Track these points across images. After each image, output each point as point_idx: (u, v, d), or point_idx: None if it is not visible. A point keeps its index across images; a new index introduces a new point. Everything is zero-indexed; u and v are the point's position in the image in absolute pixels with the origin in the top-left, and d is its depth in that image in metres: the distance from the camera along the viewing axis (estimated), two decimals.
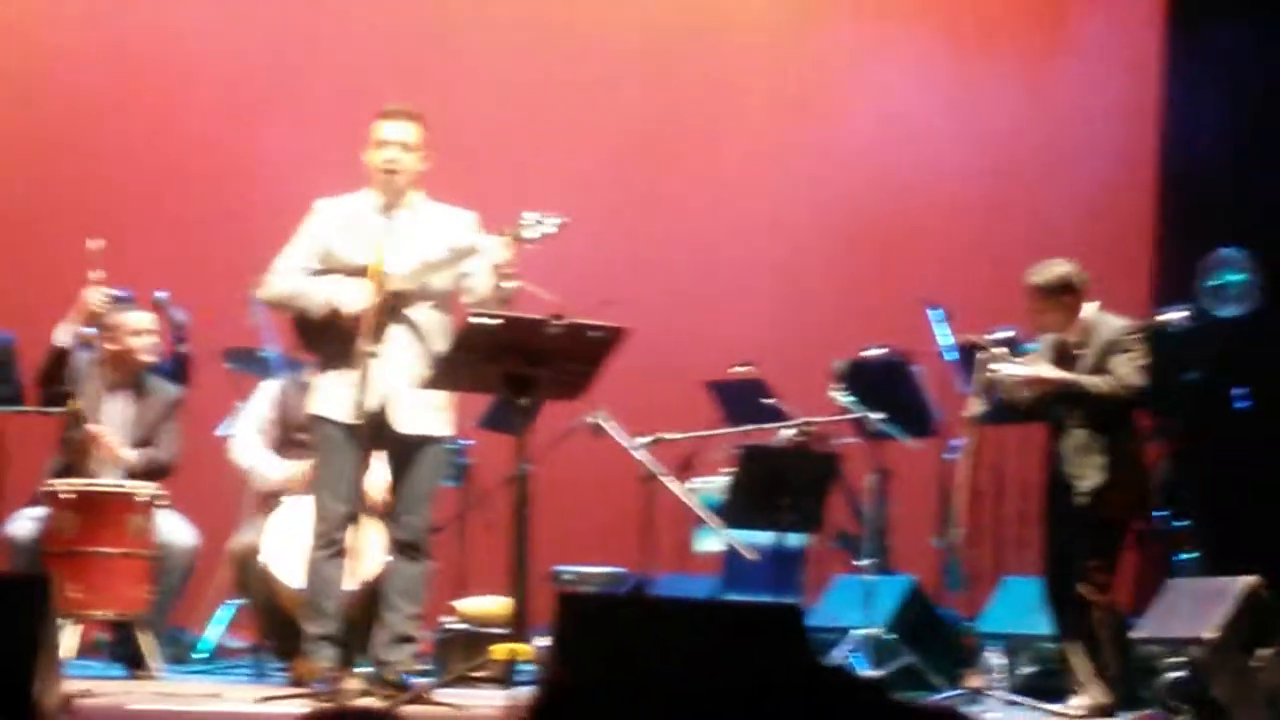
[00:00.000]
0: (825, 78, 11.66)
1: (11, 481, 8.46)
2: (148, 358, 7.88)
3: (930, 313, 9.33)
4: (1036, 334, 7.60)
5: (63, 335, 7.66)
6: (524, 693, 5.94)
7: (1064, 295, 7.35)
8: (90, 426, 7.64)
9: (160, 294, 8.44)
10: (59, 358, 7.63)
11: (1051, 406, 7.40)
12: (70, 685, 5.59)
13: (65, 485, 7.30)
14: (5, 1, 10.80)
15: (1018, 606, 8.54)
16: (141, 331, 7.87)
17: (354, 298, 6.17)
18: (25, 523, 7.57)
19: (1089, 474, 7.26)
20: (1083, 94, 11.61)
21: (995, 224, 11.46)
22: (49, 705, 4.71)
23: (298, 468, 7.45)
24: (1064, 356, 7.39)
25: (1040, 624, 7.95)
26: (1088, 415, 7.27)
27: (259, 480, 7.68)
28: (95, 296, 7.67)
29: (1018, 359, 7.59)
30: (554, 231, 6.01)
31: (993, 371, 7.44)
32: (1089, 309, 7.39)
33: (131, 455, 7.71)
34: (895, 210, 11.50)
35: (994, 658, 8.29)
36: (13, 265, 9.53)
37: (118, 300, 7.95)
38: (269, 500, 7.60)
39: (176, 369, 8.47)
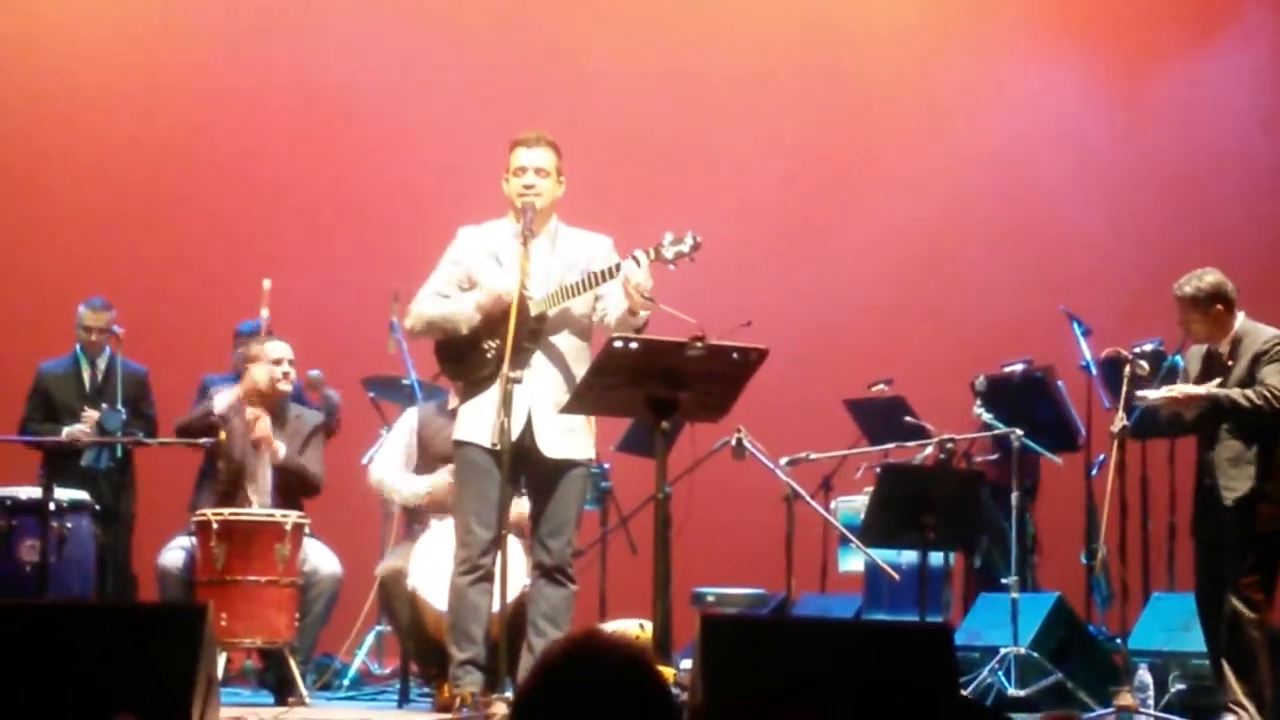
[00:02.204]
0: (972, 90, 11.61)
1: (161, 511, 8.63)
2: (284, 387, 7.96)
3: (1073, 325, 9.22)
4: (1187, 345, 7.48)
5: (220, 404, 7.77)
6: None
7: (1214, 305, 7.22)
8: (249, 411, 7.73)
9: (314, 372, 8.56)
10: (210, 421, 7.73)
11: (1203, 420, 7.26)
12: (222, 712, 5.66)
13: (214, 515, 7.40)
14: (158, 54, 11.04)
15: (1168, 623, 8.40)
16: (279, 360, 7.95)
17: (498, 286, 6.20)
18: (175, 552, 7.69)
19: (1241, 485, 7.11)
20: (1237, 100, 11.44)
21: (1142, 233, 11.32)
22: None
23: (433, 481, 7.50)
24: (1214, 367, 7.26)
25: (1192, 641, 7.80)
26: (1240, 425, 7.13)
27: (394, 496, 7.73)
28: (261, 375, 7.76)
29: (1163, 373, 7.50)
30: (689, 251, 6.01)
31: (1139, 400, 7.32)
32: (1238, 319, 7.26)
33: (282, 448, 7.79)
34: (1038, 222, 11.41)
35: (1145, 675, 8.15)
36: (151, 299, 9.73)
37: (255, 333, 8.06)
38: (414, 526, 7.67)
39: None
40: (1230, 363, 7.21)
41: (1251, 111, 11.51)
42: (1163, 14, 11.64)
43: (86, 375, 8.94)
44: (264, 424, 7.77)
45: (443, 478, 7.43)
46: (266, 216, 10.77)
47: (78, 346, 9.01)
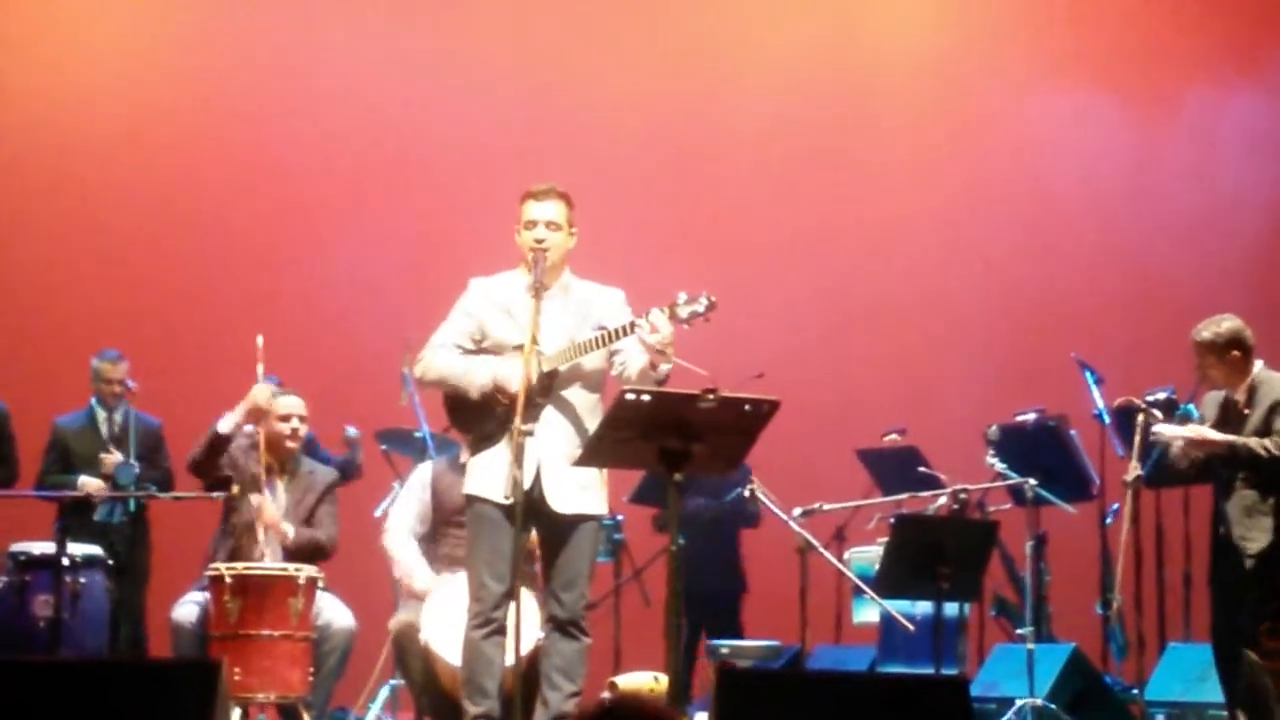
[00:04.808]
0: (986, 138, 11.62)
1: (174, 566, 8.63)
2: (291, 444, 7.97)
3: (1085, 374, 9.22)
4: (1200, 394, 7.47)
5: (225, 424, 7.78)
6: None
7: (1231, 351, 7.22)
8: (254, 496, 7.74)
9: (351, 431, 8.76)
10: (216, 444, 7.74)
11: (1216, 468, 7.25)
12: None
13: (228, 569, 7.39)
14: (166, 102, 11.09)
15: (1184, 674, 8.37)
16: (289, 417, 7.96)
17: (516, 375, 6.20)
18: (189, 606, 7.68)
19: (1257, 536, 7.10)
20: (1254, 146, 11.45)
21: (1154, 280, 11.31)
22: None
23: (439, 582, 7.53)
24: (1230, 414, 7.26)
25: (1208, 691, 7.78)
26: (1256, 475, 7.11)
27: (405, 581, 7.75)
28: (261, 392, 7.79)
29: (1176, 422, 7.49)
30: (704, 312, 6.01)
31: (1156, 435, 7.31)
32: (1256, 367, 7.26)
33: (290, 530, 7.80)
34: (1050, 270, 11.41)
35: None
36: (159, 353, 9.77)
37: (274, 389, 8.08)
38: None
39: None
40: (1247, 410, 7.21)
41: (1270, 158, 11.52)
42: (1182, 60, 11.64)
43: (104, 428, 8.95)
44: (269, 509, 7.77)
45: (443, 580, 7.48)
46: (276, 268, 10.79)
47: (94, 399, 9.02)
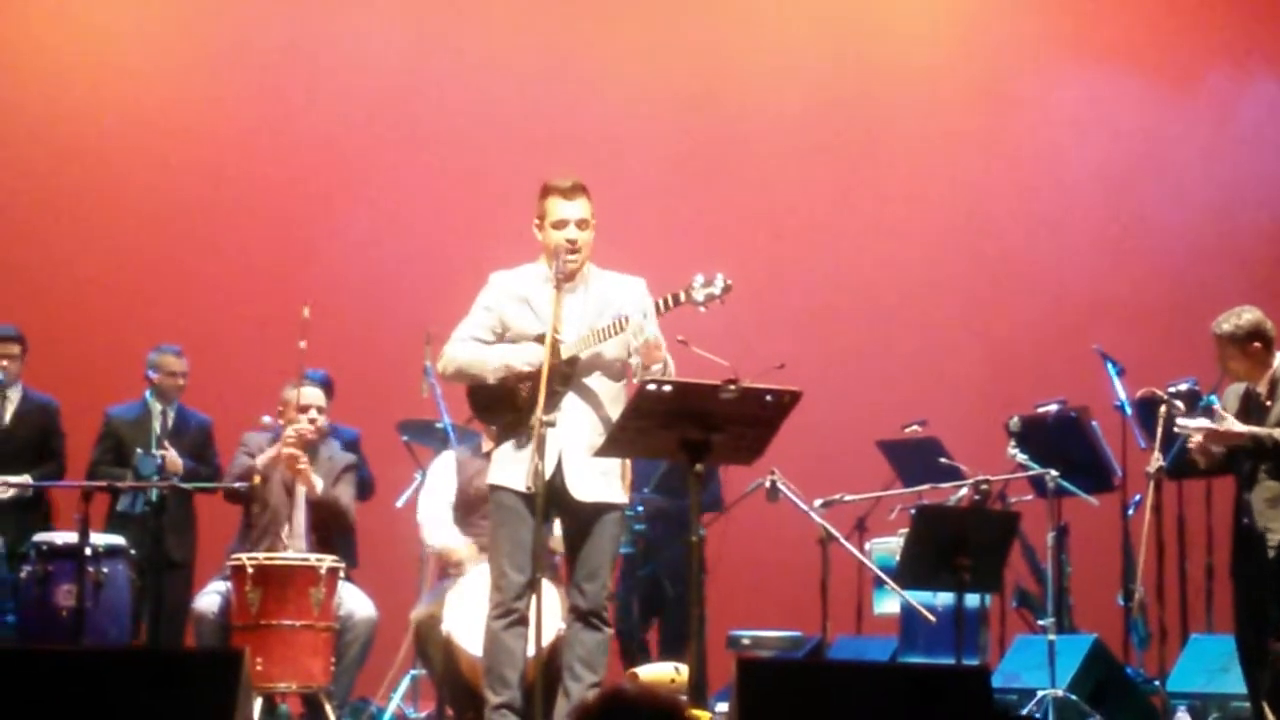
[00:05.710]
0: (1004, 129, 11.58)
1: (201, 557, 8.65)
2: (311, 436, 7.98)
3: (1106, 365, 9.19)
4: (1223, 386, 7.45)
5: (262, 461, 7.82)
6: None
7: (1252, 343, 7.20)
8: (287, 450, 7.76)
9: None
10: (249, 476, 7.79)
11: (1238, 460, 7.23)
12: None
13: (249, 559, 7.41)
14: (192, 96, 11.08)
15: (1207, 665, 8.34)
16: (307, 408, 7.98)
17: (530, 356, 6.21)
18: (211, 597, 7.71)
19: None
20: (1272, 126, 11.39)
21: (1176, 268, 11.27)
22: None
23: (444, 544, 7.59)
24: (1252, 406, 7.23)
25: (1232, 683, 7.75)
26: (1278, 466, 7.09)
27: (425, 537, 7.80)
28: (295, 431, 7.82)
29: (1199, 413, 7.47)
30: (720, 294, 6.01)
31: (1180, 428, 7.29)
32: (1277, 358, 7.23)
33: (319, 482, 7.82)
34: (1071, 261, 11.37)
35: (1184, 718, 8.09)
36: (211, 349, 9.79)
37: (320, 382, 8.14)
38: (449, 570, 7.68)
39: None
40: (1269, 402, 7.19)
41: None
42: (1200, 43, 11.59)
43: (158, 421, 8.90)
44: (302, 462, 7.81)
45: (456, 543, 7.55)
46: (299, 261, 10.79)
47: (148, 393, 8.98)
